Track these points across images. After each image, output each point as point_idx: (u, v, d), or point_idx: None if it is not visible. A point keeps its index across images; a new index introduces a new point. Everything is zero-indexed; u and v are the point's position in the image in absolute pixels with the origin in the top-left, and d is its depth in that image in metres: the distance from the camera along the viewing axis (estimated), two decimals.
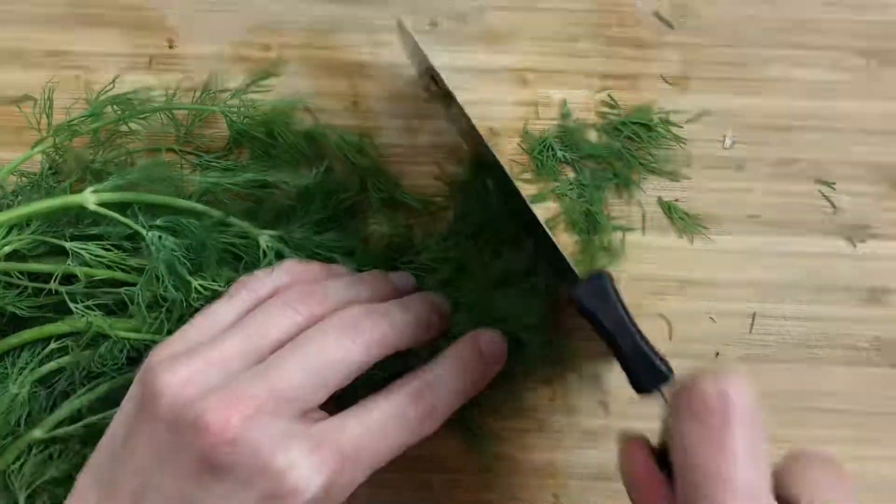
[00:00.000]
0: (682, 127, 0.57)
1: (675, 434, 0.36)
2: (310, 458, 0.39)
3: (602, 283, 0.43)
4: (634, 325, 0.43)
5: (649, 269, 0.57)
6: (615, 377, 0.56)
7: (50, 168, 0.54)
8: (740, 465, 0.33)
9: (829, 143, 0.57)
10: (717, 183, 0.57)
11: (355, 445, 0.41)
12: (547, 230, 0.45)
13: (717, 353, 0.56)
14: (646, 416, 0.56)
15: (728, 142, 0.57)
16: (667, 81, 0.58)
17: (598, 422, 0.56)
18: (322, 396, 0.41)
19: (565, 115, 0.57)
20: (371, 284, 0.49)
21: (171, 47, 0.58)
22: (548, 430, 0.56)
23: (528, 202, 0.45)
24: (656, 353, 0.43)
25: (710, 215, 0.57)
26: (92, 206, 0.49)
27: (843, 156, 0.57)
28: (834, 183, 0.57)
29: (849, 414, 0.56)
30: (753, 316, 0.56)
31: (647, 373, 0.42)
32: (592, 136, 0.57)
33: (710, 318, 0.56)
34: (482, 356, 0.47)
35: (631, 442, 0.40)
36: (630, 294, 0.56)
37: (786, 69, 0.57)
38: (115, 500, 0.40)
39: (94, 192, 0.49)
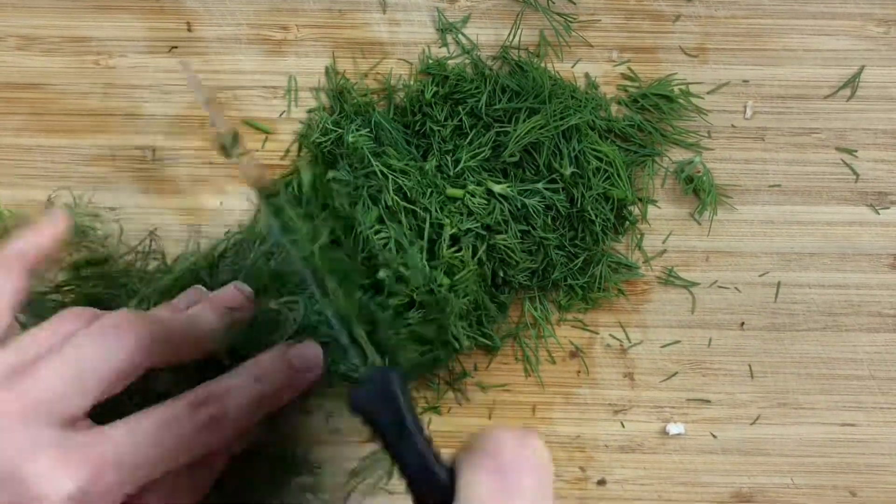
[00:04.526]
0: (702, 98, 0.57)
1: (464, 486, 0.34)
2: (59, 468, 0.38)
3: (384, 383, 0.35)
4: (420, 433, 0.35)
5: (673, 241, 0.57)
6: (639, 350, 0.56)
7: None
8: None
9: (849, 112, 0.57)
10: (738, 153, 0.57)
11: (117, 455, 0.39)
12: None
13: (743, 323, 0.56)
14: (672, 388, 0.56)
15: (749, 112, 0.57)
16: (686, 53, 0.58)
17: (624, 394, 0.56)
18: (85, 403, 0.40)
19: (591, 87, 0.57)
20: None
21: (189, 30, 0.58)
22: (574, 403, 0.56)
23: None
24: (441, 466, 0.35)
25: (732, 185, 0.57)
26: None
27: (863, 123, 0.57)
28: (855, 151, 0.57)
29: (874, 380, 0.56)
30: (778, 285, 0.57)
31: (429, 489, 0.35)
32: (613, 108, 0.57)
33: (735, 287, 0.57)
34: (291, 366, 0.45)
35: None
36: (655, 266, 0.57)
37: (805, 39, 0.57)
38: None
39: None
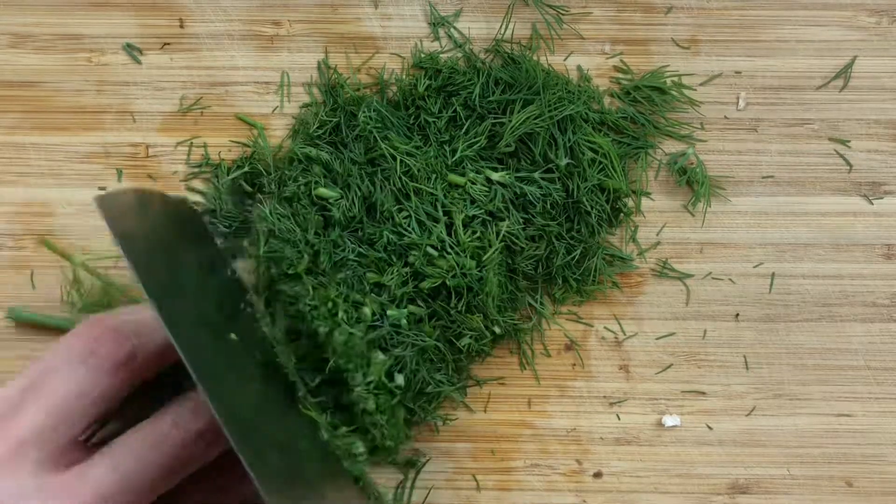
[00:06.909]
0: (695, 90, 0.57)
1: None
2: None
3: None
4: None
5: (667, 233, 0.57)
6: (634, 343, 0.56)
7: None
8: None
9: (842, 102, 0.57)
10: (731, 144, 0.57)
11: (99, 493, 0.38)
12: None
13: (737, 314, 0.56)
14: (667, 380, 0.56)
15: (741, 103, 0.57)
16: (678, 45, 0.58)
17: (619, 386, 0.56)
18: (72, 433, 0.39)
19: (584, 80, 0.57)
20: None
21: (181, 27, 0.58)
22: (570, 396, 0.56)
23: None
24: None
25: (725, 177, 0.57)
26: None
27: (856, 114, 0.57)
28: (848, 141, 0.57)
29: (869, 370, 0.56)
30: (772, 276, 0.57)
31: None
32: (606, 101, 0.57)
33: (730, 279, 0.57)
34: None
35: None
36: (649, 258, 0.57)
37: (797, 29, 0.57)
38: None
39: None
